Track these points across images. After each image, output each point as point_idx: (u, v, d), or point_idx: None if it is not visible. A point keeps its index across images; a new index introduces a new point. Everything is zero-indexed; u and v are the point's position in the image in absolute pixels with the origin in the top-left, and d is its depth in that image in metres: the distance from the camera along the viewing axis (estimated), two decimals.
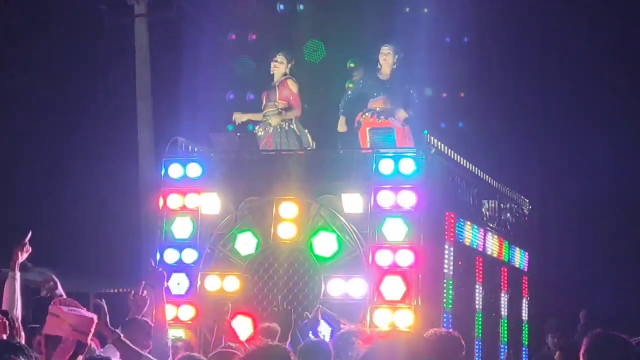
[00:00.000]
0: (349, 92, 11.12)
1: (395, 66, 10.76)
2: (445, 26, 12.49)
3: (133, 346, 5.80)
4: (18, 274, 6.35)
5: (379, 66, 10.86)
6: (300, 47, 11.81)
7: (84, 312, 5.14)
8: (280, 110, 10.64)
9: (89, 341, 5.08)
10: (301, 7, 11.13)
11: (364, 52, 11.79)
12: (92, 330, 5.08)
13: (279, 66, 10.84)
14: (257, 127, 10.84)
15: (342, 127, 10.87)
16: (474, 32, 14.25)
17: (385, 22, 12.17)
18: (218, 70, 13.79)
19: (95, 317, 5.15)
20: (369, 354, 2.34)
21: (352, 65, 11.68)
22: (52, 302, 5.13)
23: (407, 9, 13.72)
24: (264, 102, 10.85)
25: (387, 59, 10.80)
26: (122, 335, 5.78)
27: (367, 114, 10.59)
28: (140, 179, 14.19)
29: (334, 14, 13.25)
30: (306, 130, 10.75)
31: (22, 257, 6.43)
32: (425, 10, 13.73)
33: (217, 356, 6.03)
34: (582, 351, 4.65)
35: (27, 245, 6.48)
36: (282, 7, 11.24)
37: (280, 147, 10.46)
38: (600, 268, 15.59)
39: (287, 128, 10.67)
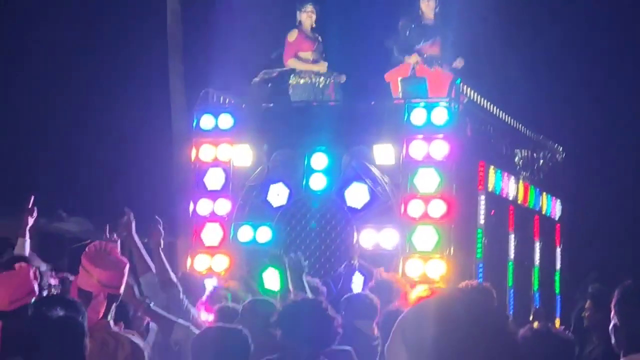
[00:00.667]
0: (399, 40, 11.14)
1: (437, 9, 10.77)
2: None
3: (165, 313, 5.83)
4: (28, 240, 6.35)
5: (420, 12, 10.84)
6: None
7: (114, 261, 5.14)
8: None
9: (121, 291, 5.12)
10: None
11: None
12: (124, 281, 5.11)
13: (312, 16, 10.92)
14: (316, 78, 10.88)
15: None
16: None
17: None
18: (251, 19, 13.72)
19: (126, 266, 5.17)
20: (402, 320, 2.36)
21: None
22: (84, 251, 5.15)
23: None
24: (308, 52, 10.91)
25: (429, 3, 10.79)
26: (151, 303, 5.81)
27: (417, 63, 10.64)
28: (173, 130, 14.26)
29: None
30: None
31: (31, 222, 6.44)
32: None
33: (250, 305, 6.07)
34: (613, 302, 4.64)
35: (34, 209, 6.47)
36: None
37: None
38: (636, 216, 15.47)
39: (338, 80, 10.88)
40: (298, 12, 11.01)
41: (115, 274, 5.04)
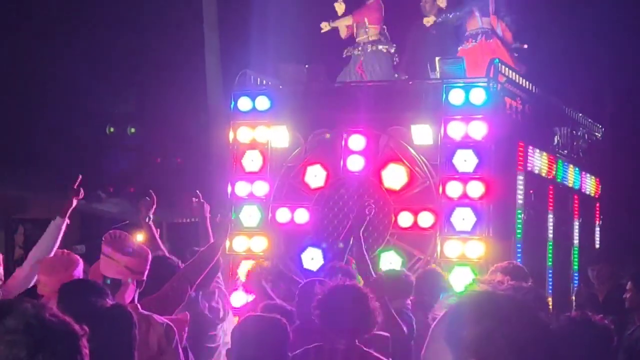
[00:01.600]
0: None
1: None
2: None
3: None
4: (67, 222, 6.28)
5: None
6: None
7: (136, 247, 5.23)
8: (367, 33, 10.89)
9: (144, 277, 5.20)
10: None
11: None
12: (147, 267, 5.20)
13: None
14: (355, 50, 10.91)
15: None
16: None
17: None
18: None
19: (149, 253, 5.26)
20: (445, 318, 2.36)
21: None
22: (103, 240, 5.20)
23: None
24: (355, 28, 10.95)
25: None
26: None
27: (469, 40, 10.70)
28: (210, 112, 14.29)
29: None
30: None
31: (75, 203, 6.36)
32: None
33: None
34: None
35: (80, 189, 6.41)
36: None
37: (372, 73, 10.59)
38: None
39: (375, 49, 10.80)
40: None
41: (141, 260, 5.17)
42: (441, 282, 7.35)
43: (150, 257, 5.27)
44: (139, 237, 6.89)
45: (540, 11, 14.44)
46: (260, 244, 9.57)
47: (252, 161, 9.67)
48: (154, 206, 6.92)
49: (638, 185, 14.96)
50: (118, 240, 5.18)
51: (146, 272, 5.21)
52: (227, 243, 9.59)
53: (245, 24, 13.53)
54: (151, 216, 6.86)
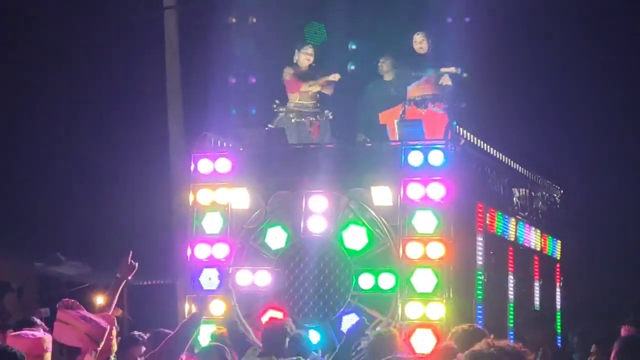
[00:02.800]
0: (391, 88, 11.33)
1: (429, 50, 10.98)
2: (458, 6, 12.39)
3: None
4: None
5: (413, 52, 11.05)
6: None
7: (94, 317, 5.09)
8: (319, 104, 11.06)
9: (100, 347, 5.03)
10: None
11: (391, 42, 11.86)
12: (105, 337, 5.03)
13: (310, 58, 11.08)
14: (306, 119, 11.01)
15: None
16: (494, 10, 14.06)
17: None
18: (249, 61, 13.78)
19: (107, 324, 5.09)
20: None
21: (353, 47, 11.76)
22: (58, 307, 5.06)
23: None
24: (298, 92, 11.03)
25: (422, 46, 10.99)
26: None
27: (409, 104, 10.78)
28: (171, 174, 14.26)
29: None
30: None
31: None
32: None
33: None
34: (613, 355, 4.63)
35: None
36: None
37: (322, 139, 10.71)
38: (636, 253, 15.43)
39: (327, 119, 10.95)
40: (297, 52, 11.18)
41: (100, 328, 4.99)
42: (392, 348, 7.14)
43: (108, 328, 5.13)
44: (99, 300, 6.73)
45: (500, 73, 14.67)
46: (218, 307, 9.47)
47: (212, 223, 9.62)
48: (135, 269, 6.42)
49: (598, 247, 15.07)
50: (75, 306, 5.07)
51: (102, 343, 5.07)
52: (187, 306, 9.52)
53: (206, 88, 13.60)
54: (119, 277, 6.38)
